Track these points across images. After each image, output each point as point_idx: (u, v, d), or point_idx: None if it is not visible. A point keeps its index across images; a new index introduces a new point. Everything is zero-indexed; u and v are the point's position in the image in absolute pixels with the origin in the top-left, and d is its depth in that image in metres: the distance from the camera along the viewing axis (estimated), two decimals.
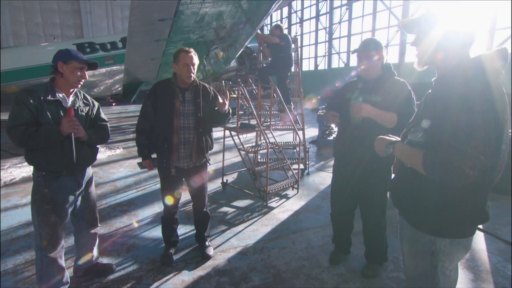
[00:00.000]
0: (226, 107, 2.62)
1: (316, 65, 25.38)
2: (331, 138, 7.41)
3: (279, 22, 22.97)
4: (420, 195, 1.35)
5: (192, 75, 2.50)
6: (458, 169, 1.10)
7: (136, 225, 3.56)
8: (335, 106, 2.58)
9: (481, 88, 1.15)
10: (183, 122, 2.56)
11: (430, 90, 1.35)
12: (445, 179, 1.16)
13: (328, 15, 23.21)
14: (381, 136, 1.49)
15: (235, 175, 5.43)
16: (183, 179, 2.78)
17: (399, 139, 1.42)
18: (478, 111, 1.12)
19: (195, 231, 3.03)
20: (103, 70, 11.57)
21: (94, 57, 11.54)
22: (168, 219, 2.83)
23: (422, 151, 1.22)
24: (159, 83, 2.62)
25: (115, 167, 5.99)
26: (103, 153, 7.04)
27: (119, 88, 12.04)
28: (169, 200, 2.77)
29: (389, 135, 1.48)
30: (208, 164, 2.83)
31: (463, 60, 1.26)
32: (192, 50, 2.50)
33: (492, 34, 12.62)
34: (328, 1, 22.93)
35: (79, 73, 2.11)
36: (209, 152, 2.78)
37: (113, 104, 22.00)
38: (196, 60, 2.50)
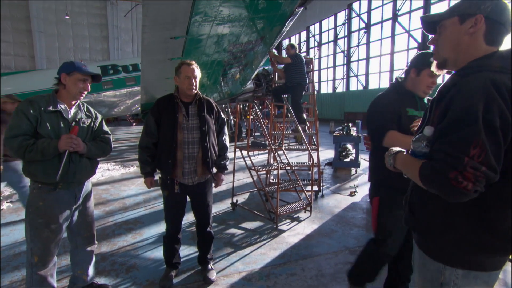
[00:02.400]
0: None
1: (334, 88, 25.37)
2: (347, 160, 7.15)
3: (293, 42, 23.39)
4: (427, 212, 1.15)
5: (194, 87, 2.44)
6: (454, 181, 0.93)
7: None
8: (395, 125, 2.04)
9: (485, 87, 0.97)
10: (187, 136, 2.47)
11: (435, 95, 1.17)
12: (441, 193, 0.98)
13: (346, 38, 23.39)
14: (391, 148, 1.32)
15: (246, 195, 5.26)
16: (187, 196, 2.65)
17: (403, 150, 1.26)
18: (480, 114, 0.94)
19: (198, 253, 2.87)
20: (124, 90, 11.98)
21: (116, 79, 12.02)
22: (170, 239, 2.68)
23: (421, 162, 1.05)
24: (162, 99, 2.55)
25: (127, 185, 5.97)
26: (117, 171, 7.09)
27: (139, 108, 12.38)
28: (172, 219, 2.64)
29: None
30: (213, 179, 2.70)
31: (475, 59, 1.09)
32: (194, 62, 2.45)
33: None
34: (346, 25, 23.17)
35: (81, 84, 2.09)
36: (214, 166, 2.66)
37: (134, 124, 22.72)
38: (198, 73, 2.44)
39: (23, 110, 1.96)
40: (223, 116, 2.75)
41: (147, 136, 2.52)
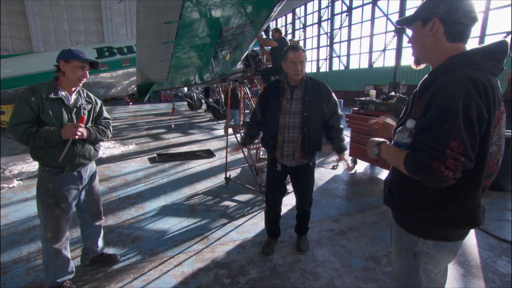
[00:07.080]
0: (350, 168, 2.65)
1: (318, 68, 25.08)
2: None
3: (279, 26, 22.71)
4: (405, 193, 1.20)
5: (300, 72, 2.31)
6: (437, 170, 0.97)
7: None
8: None
9: (464, 85, 0.99)
10: (288, 120, 2.37)
11: (417, 88, 1.18)
12: (424, 180, 1.02)
13: (329, 21, 22.84)
14: (372, 138, 1.34)
15: (238, 170, 5.30)
16: (288, 176, 2.68)
17: (386, 140, 1.27)
18: (460, 110, 0.97)
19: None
20: (120, 72, 11.51)
21: (112, 60, 11.51)
22: (270, 213, 2.74)
23: (406, 152, 1.08)
24: (272, 83, 2.55)
25: (127, 162, 5.91)
26: (117, 149, 7.00)
27: (135, 89, 12.00)
28: (272, 194, 2.69)
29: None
30: (310, 165, 2.53)
31: (452, 56, 1.10)
32: (300, 47, 2.32)
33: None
34: (329, 8, 22.53)
35: (80, 72, 2.00)
36: (316, 152, 2.52)
37: (130, 103, 22.13)
38: (304, 58, 2.30)
39: (25, 98, 1.89)
40: (335, 99, 2.50)
41: (252, 118, 2.71)
